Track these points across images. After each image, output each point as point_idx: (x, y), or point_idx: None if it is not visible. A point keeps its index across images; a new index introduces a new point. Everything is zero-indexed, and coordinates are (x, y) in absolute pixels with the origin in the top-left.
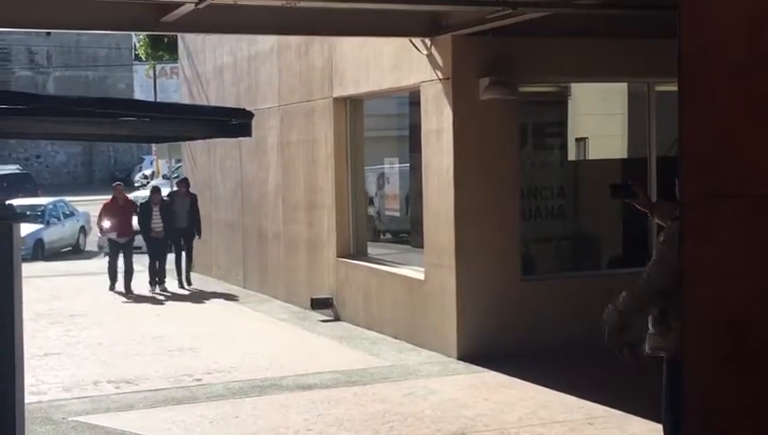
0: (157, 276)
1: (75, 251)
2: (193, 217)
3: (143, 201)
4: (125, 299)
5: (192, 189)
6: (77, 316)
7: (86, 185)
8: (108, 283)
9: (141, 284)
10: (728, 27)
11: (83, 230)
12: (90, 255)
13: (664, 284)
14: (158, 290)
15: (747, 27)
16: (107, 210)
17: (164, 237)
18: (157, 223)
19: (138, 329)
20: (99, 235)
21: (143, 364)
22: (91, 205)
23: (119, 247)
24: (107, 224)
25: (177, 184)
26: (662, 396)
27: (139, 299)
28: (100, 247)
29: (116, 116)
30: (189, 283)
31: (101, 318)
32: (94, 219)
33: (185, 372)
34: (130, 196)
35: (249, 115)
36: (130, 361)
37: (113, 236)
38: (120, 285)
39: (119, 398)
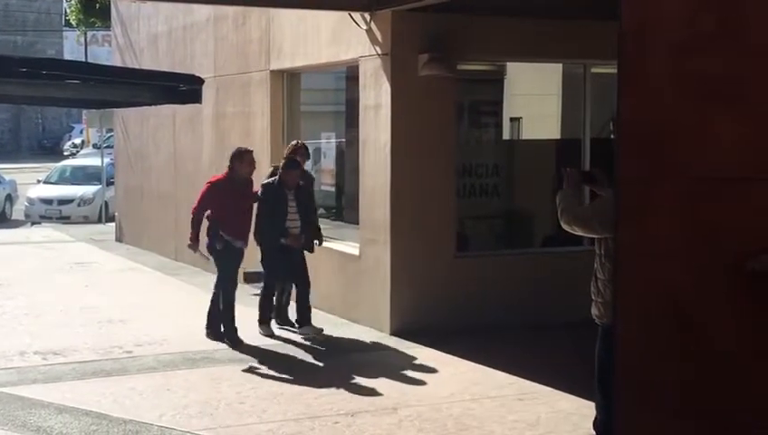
0: (300, 313)
1: (1, 219)
2: (307, 207)
3: (266, 182)
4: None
5: (123, 159)
6: (3, 286)
7: (13, 152)
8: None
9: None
10: (669, 8)
11: (9, 198)
12: (16, 223)
13: (603, 214)
14: (302, 335)
15: (687, 8)
16: (217, 194)
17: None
18: (294, 221)
19: (66, 300)
20: (188, 239)
21: (71, 335)
22: (17, 173)
23: (238, 256)
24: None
25: (291, 154)
26: (595, 364)
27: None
28: (27, 216)
29: (62, 78)
30: (308, 319)
31: (28, 288)
32: (21, 187)
33: (115, 344)
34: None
35: (199, 81)
36: (58, 332)
37: (232, 241)
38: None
39: (46, 369)
